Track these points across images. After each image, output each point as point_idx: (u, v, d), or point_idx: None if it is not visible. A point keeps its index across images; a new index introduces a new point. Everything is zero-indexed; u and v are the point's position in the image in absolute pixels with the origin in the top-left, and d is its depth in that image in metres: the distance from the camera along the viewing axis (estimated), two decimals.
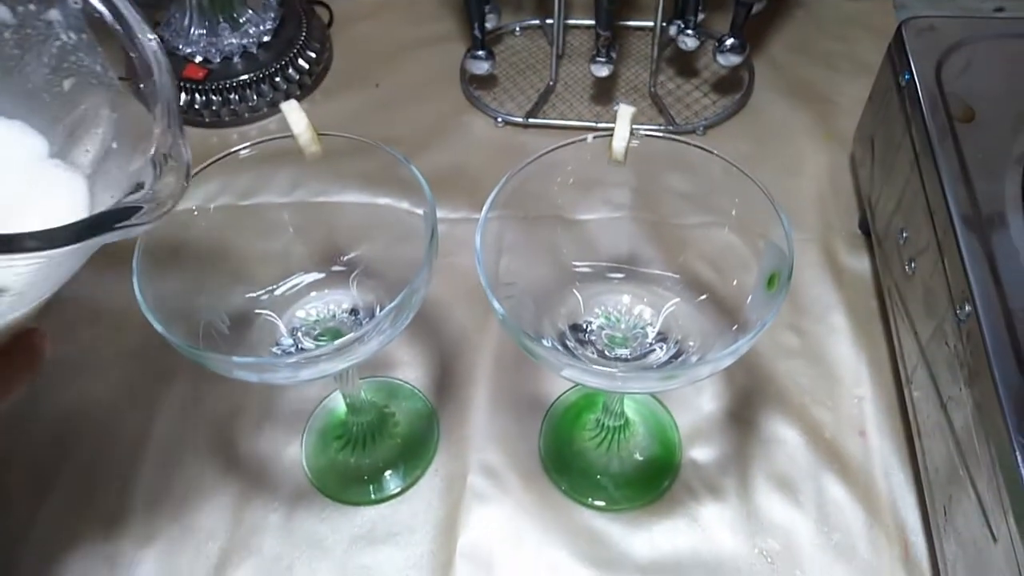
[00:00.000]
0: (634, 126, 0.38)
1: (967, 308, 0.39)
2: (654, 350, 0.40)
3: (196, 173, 0.39)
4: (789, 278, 0.34)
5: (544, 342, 0.39)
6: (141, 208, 0.27)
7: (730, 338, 0.37)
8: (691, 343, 0.40)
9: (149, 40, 0.32)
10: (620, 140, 0.38)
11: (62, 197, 0.32)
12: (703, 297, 0.41)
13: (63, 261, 0.28)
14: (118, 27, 0.31)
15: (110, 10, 0.32)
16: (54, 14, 0.32)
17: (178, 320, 0.36)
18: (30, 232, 0.23)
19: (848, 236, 0.60)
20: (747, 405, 0.51)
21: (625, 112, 0.38)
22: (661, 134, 0.39)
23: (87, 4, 0.32)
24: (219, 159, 0.39)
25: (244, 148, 0.40)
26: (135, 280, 0.34)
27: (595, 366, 0.34)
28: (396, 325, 0.36)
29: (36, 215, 0.30)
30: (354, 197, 0.43)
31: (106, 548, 0.47)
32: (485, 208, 0.37)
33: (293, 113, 0.39)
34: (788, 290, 0.34)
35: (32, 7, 0.32)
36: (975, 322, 0.38)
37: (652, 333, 0.41)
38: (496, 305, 0.34)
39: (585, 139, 0.39)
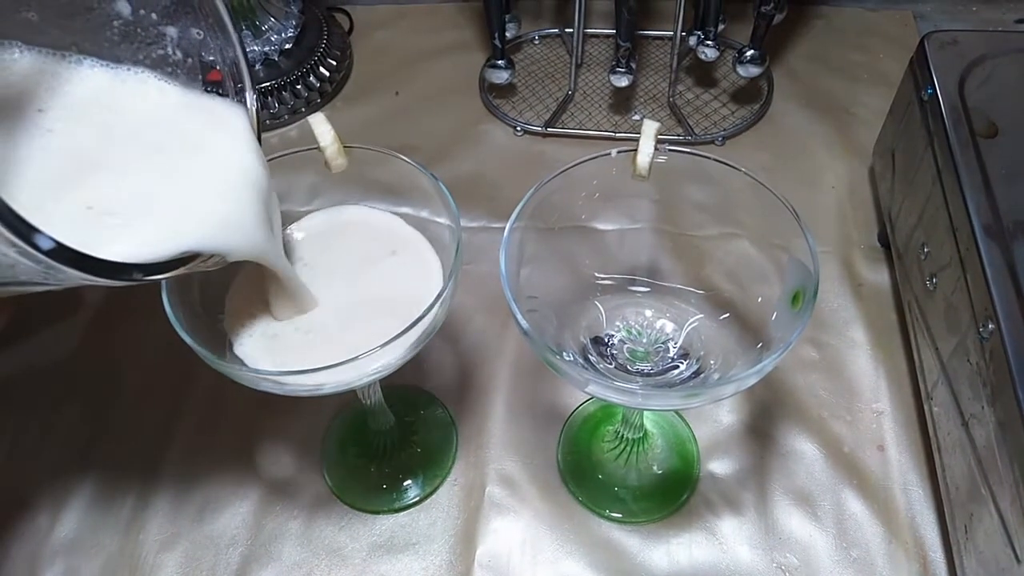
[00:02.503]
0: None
1: (990, 326, 0.39)
2: (676, 365, 0.40)
3: None
4: (814, 297, 0.34)
5: (566, 356, 0.39)
6: (205, 255, 0.31)
7: (754, 356, 0.37)
8: (712, 360, 0.40)
9: (252, 97, 0.34)
10: (644, 156, 0.38)
11: (231, 121, 0.34)
12: (726, 315, 0.41)
13: None
14: (224, 68, 0.33)
15: (222, 58, 0.33)
16: (171, 31, 0.33)
17: (204, 331, 0.36)
18: (137, 264, 0.28)
19: (867, 249, 0.59)
20: (766, 418, 0.51)
21: (650, 128, 0.38)
22: (684, 150, 0.39)
23: (207, 39, 0.33)
24: None
25: (272, 158, 0.40)
26: (164, 293, 0.34)
27: (618, 383, 0.34)
28: (419, 340, 0.36)
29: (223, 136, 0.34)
30: (375, 205, 0.44)
31: (126, 552, 0.48)
32: (509, 224, 0.37)
33: (320, 126, 0.39)
34: (813, 309, 0.34)
35: (154, 16, 0.33)
36: (998, 340, 0.38)
37: (674, 348, 0.41)
38: (521, 321, 0.34)
39: (609, 154, 0.39)
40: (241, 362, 0.37)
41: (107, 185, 0.31)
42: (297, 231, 0.43)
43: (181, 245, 0.30)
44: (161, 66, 0.34)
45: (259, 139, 0.35)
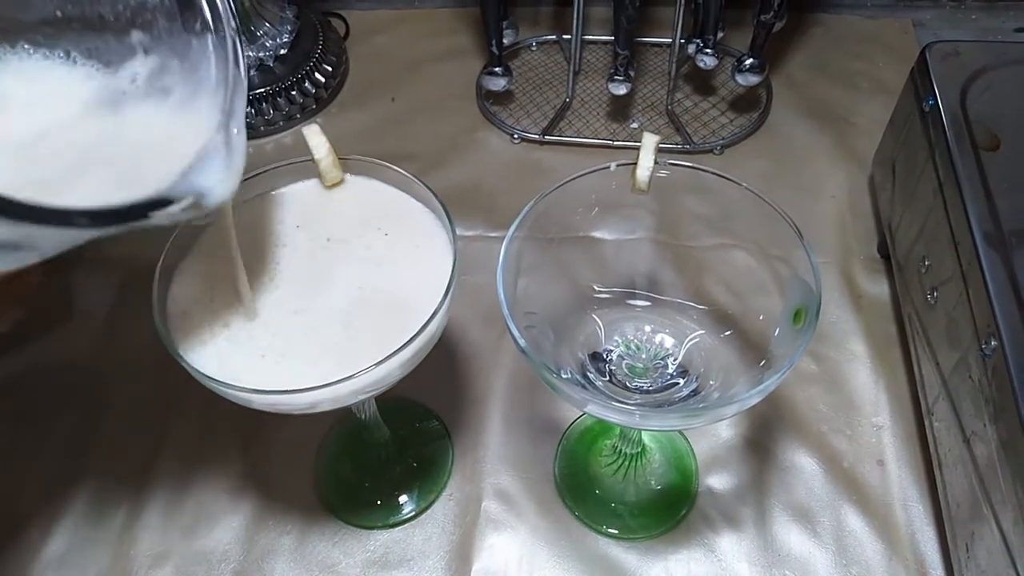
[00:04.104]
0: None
1: (993, 343, 0.39)
2: (676, 382, 0.40)
3: None
4: (817, 315, 0.33)
5: (564, 374, 0.38)
6: (179, 200, 0.27)
7: (755, 373, 0.37)
8: (712, 379, 0.39)
9: (231, 29, 0.32)
10: (644, 170, 0.38)
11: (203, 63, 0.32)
12: (728, 332, 0.40)
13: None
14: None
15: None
16: None
17: None
18: (80, 210, 0.24)
19: (867, 260, 0.59)
20: (765, 432, 0.51)
21: (649, 141, 0.38)
22: (684, 163, 0.39)
23: None
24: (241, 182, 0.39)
25: (266, 170, 0.40)
26: (156, 311, 0.34)
27: (617, 403, 0.33)
28: (415, 355, 0.36)
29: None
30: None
31: (117, 567, 0.47)
32: (505, 243, 0.36)
33: (314, 138, 0.38)
34: (816, 327, 0.33)
35: None
36: (1001, 357, 0.38)
37: (673, 365, 0.41)
38: (519, 339, 0.33)
39: (608, 167, 0.39)
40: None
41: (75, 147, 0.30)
42: (285, 202, 0.41)
43: (143, 190, 0.27)
44: (141, 14, 0.33)
45: (241, 61, 0.33)
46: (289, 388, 0.32)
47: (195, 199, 0.28)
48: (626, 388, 0.40)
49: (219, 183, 0.30)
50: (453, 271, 0.36)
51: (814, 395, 0.52)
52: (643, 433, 0.48)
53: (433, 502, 0.49)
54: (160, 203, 0.27)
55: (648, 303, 0.43)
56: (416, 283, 0.38)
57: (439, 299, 0.35)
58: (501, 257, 0.36)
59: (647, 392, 0.40)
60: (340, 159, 0.40)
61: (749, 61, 0.64)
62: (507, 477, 0.50)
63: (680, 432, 0.50)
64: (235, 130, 0.31)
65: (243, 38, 0.67)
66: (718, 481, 0.49)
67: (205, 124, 0.31)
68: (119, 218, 0.26)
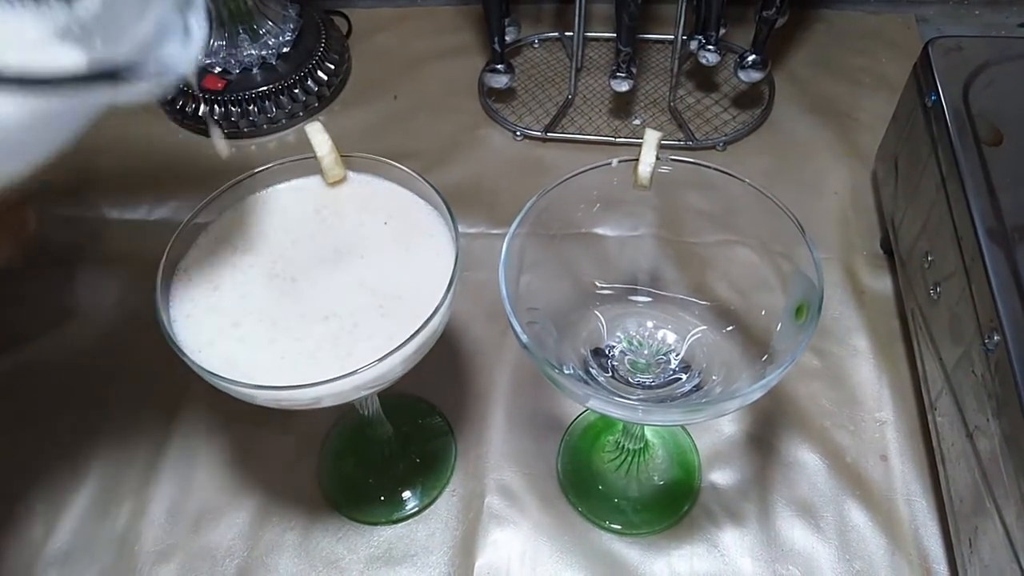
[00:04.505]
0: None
1: (995, 338, 0.39)
2: (678, 378, 0.40)
3: (220, 192, 0.39)
4: (819, 311, 0.33)
5: (566, 370, 0.38)
6: (135, 66, 0.26)
7: (757, 369, 0.37)
8: (714, 375, 0.39)
9: None
10: (646, 166, 0.38)
11: None
12: (730, 328, 0.40)
13: (49, 121, 0.27)
14: None
15: None
16: None
17: None
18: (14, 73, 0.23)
19: (870, 256, 0.59)
20: (768, 428, 0.51)
21: (651, 138, 0.38)
22: (686, 159, 0.39)
23: None
24: (243, 179, 0.39)
25: (269, 167, 0.40)
26: (159, 309, 0.34)
27: (619, 398, 0.33)
28: (418, 351, 0.36)
29: None
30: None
31: (121, 564, 0.47)
32: (507, 239, 0.36)
33: (317, 136, 0.38)
34: (818, 322, 0.33)
35: None
36: (1004, 352, 0.38)
37: (675, 360, 0.41)
38: (521, 335, 0.33)
39: (610, 163, 0.39)
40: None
41: None
42: (288, 199, 0.41)
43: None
44: None
45: None
46: (292, 384, 0.32)
47: (154, 69, 0.27)
48: (628, 384, 0.40)
49: (177, 55, 0.28)
50: (455, 267, 0.36)
51: (817, 390, 0.52)
52: (646, 429, 0.48)
53: (436, 498, 0.49)
54: (115, 73, 0.26)
55: (650, 299, 0.43)
56: (418, 280, 0.38)
57: (441, 295, 0.35)
58: (503, 253, 0.36)
59: (649, 388, 0.40)
60: (343, 156, 0.40)
61: (751, 57, 0.64)
62: (510, 473, 0.50)
63: (683, 428, 0.50)
64: (193, 20, 0.30)
65: (245, 36, 0.68)
66: (721, 477, 0.49)
67: (160, 10, 0.31)
68: (65, 82, 0.24)
